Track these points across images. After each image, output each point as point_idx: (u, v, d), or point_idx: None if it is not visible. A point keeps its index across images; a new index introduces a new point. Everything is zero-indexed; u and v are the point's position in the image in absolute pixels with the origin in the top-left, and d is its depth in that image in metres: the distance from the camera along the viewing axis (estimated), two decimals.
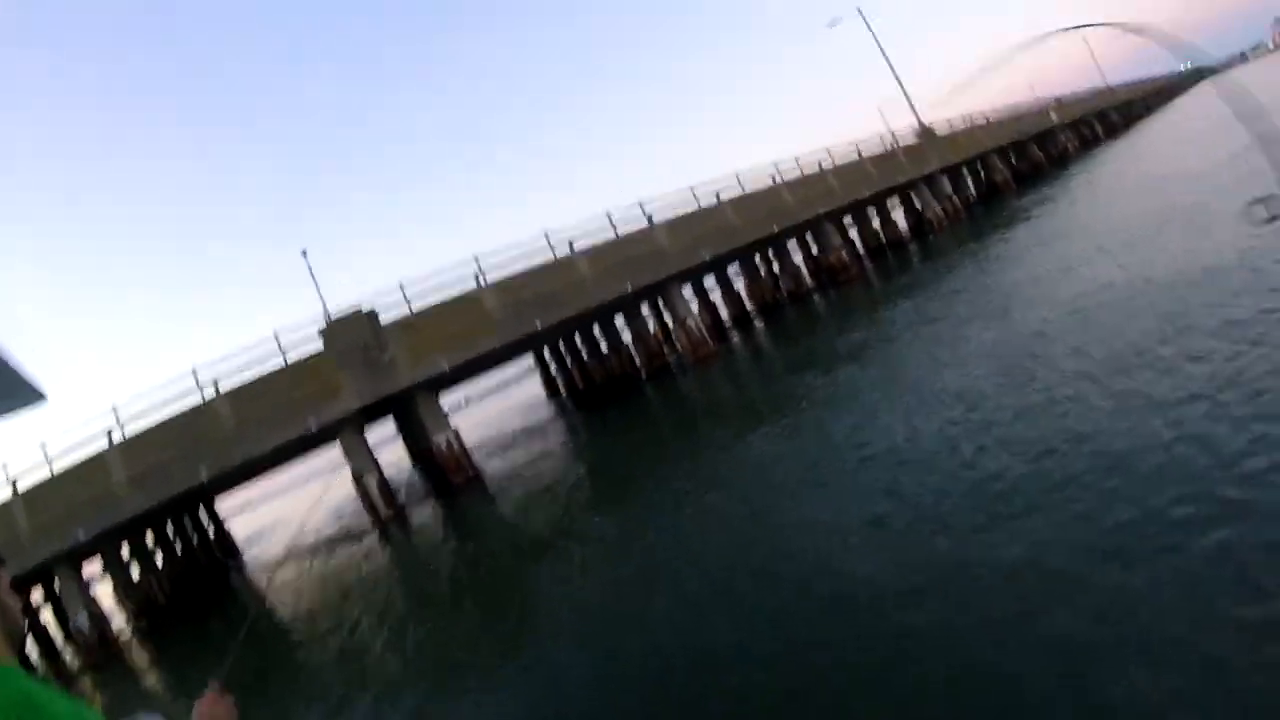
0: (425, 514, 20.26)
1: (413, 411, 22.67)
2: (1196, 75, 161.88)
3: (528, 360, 52.66)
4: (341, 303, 22.75)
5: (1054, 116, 60.31)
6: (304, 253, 26.35)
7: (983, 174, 50.48)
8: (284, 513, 55.59)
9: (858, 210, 39.51)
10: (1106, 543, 5.05)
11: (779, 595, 6.31)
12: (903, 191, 41.35)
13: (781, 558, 7.04)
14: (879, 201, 40.93)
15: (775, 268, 38.31)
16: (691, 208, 28.17)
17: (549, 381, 43.86)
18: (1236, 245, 10.48)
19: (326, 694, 8.96)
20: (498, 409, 52.93)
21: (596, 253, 25.07)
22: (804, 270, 36.76)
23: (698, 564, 7.82)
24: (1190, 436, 5.96)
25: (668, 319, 31.10)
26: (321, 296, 23.63)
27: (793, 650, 5.38)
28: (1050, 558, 5.20)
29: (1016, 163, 54.48)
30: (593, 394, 32.95)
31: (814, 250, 38.99)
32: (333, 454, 38.50)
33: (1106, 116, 77.08)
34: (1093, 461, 6.30)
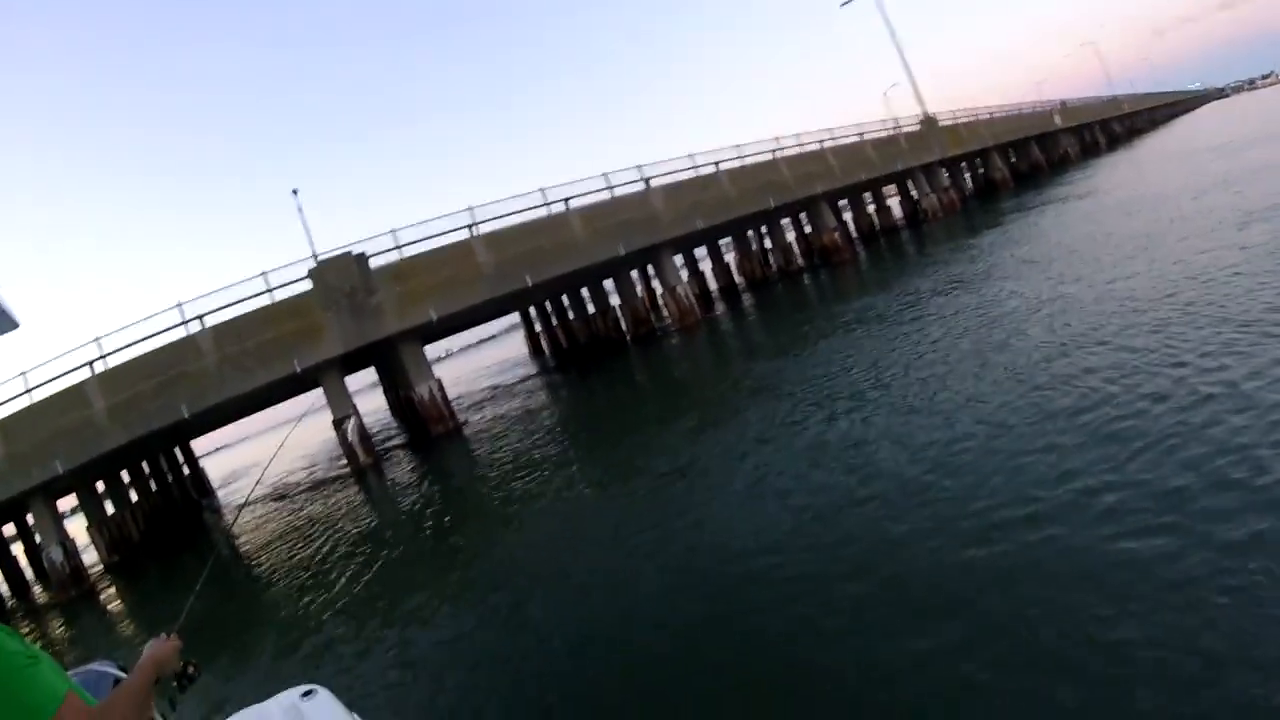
0: (404, 463, 20.23)
1: (396, 360, 22.63)
2: (1202, 96, 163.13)
3: (510, 318, 52.75)
4: (331, 246, 22.57)
5: (1057, 120, 60.21)
6: (294, 191, 26.19)
7: (981, 169, 50.59)
8: (257, 456, 55.55)
9: (855, 193, 39.58)
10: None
11: (731, 560, 6.42)
12: (901, 179, 41.42)
13: (737, 521, 7.19)
14: (876, 186, 40.99)
15: (767, 243, 38.47)
16: (689, 175, 28.13)
17: (532, 339, 44.00)
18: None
19: (285, 631, 9.02)
20: (479, 364, 53.00)
21: (591, 212, 25.01)
22: (796, 248, 36.92)
23: (660, 524, 7.91)
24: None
25: (656, 285, 31.16)
26: (309, 236, 23.53)
27: (741, 617, 5.42)
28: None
29: (1016, 161, 54.57)
30: (576, 354, 33.05)
31: (807, 229, 39.20)
32: (306, 400, 38.51)
33: (1109, 126, 77.20)
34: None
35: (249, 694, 6.74)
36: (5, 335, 2.60)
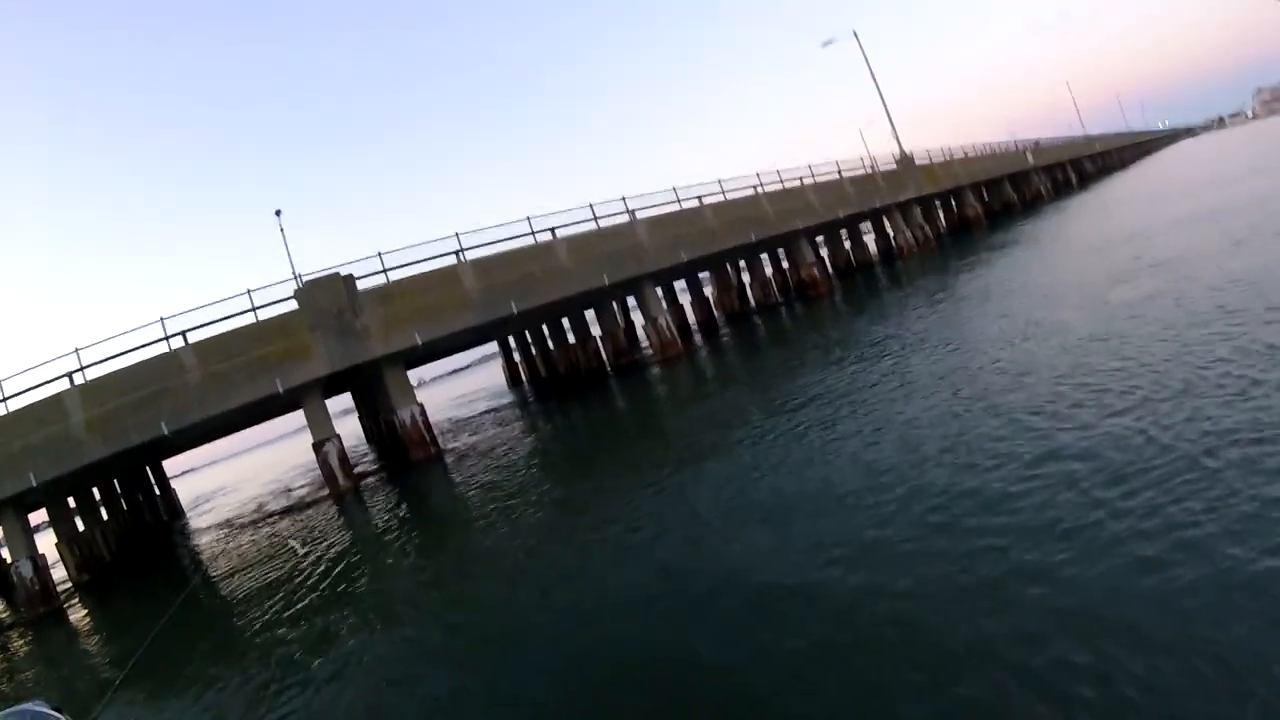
0: (384, 488, 20.18)
1: (379, 383, 22.63)
2: (1171, 135, 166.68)
3: (484, 349, 52.72)
4: (312, 262, 22.53)
5: (1030, 159, 61.59)
6: (278, 212, 26.12)
7: (955, 207, 51.53)
8: (225, 480, 54.82)
9: (833, 229, 40.22)
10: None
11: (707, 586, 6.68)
12: (877, 216, 42.15)
13: (718, 550, 7.46)
14: (854, 223, 41.65)
15: (745, 277, 38.95)
16: (673, 208, 28.59)
17: (511, 368, 43.98)
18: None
19: (243, 665, 8.92)
20: (453, 393, 52.81)
21: (577, 242, 25.33)
22: (773, 282, 37.46)
23: (638, 551, 8.19)
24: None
25: (636, 317, 31.48)
26: (290, 258, 23.58)
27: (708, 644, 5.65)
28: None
29: (989, 199, 55.65)
30: (556, 384, 33.22)
31: (784, 264, 39.78)
32: (278, 425, 37.95)
33: (1081, 165, 79.03)
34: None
35: None
36: None
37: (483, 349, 53.32)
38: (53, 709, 3.36)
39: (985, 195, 55.51)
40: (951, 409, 9.21)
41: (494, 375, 53.79)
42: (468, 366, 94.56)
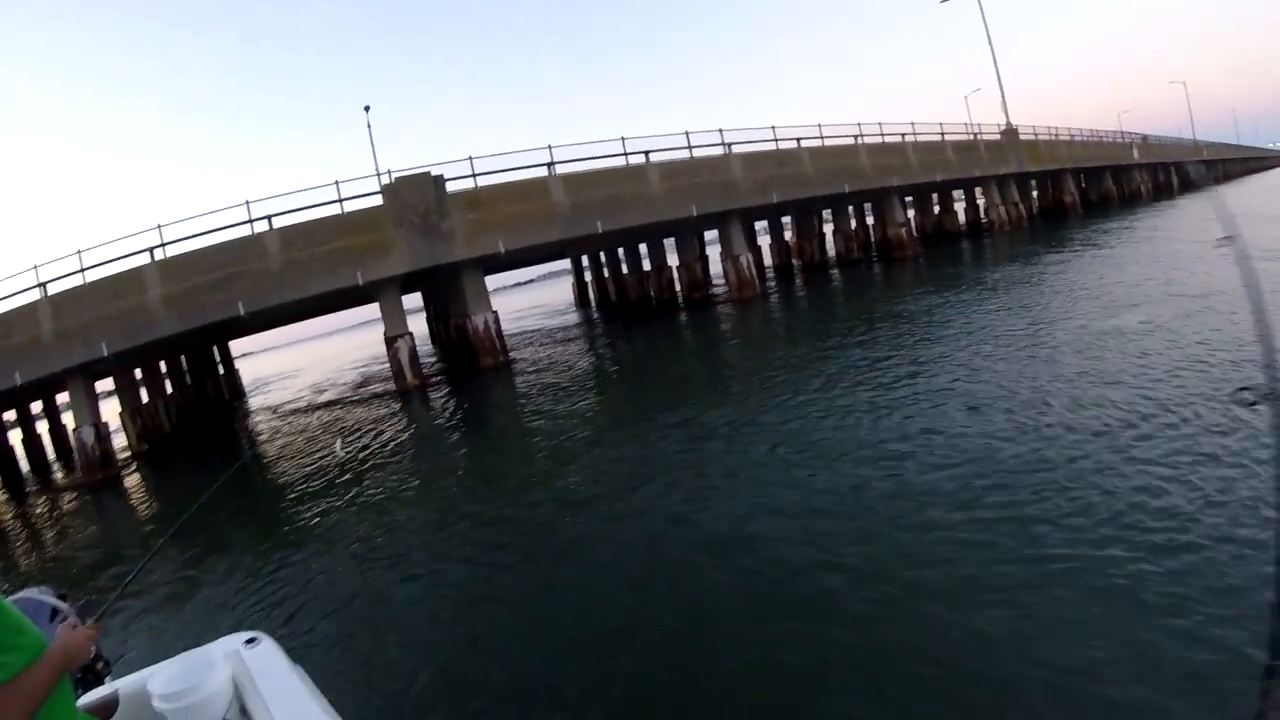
0: (450, 390, 20.10)
1: (455, 287, 22.42)
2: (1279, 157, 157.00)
3: (553, 265, 52.72)
4: (398, 168, 22.14)
5: (1136, 154, 58.74)
6: (366, 108, 25.85)
7: (1051, 190, 49.49)
8: (284, 366, 55.41)
9: (925, 192, 38.94)
10: None
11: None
12: (972, 184, 40.66)
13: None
14: (948, 189, 40.23)
15: (829, 227, 38.07)
16: (769, 148, 27.73)
17: (580, 288, 43.96)
18: None
19: (301, 538, 8.77)
20: (518, 306, 53.04)
21: (669, 169, 24.76)
22: (856, 237, 36.54)
23: (694, 481, 7.83)
24: None
25: (712, 251, 31.06)
26: (375, 154, 23.43)
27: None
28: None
29: (1086, 188, 53.33)
30: (625, 309, 33.12)
31: (869, 220, 38.77)
32: (343, 317, 38.12)
33: (1184, 169, 75.28)
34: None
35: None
36: None
37: (549, 265, 53.39)
38: (56, 596, 3.04)
39: (1083, 183, 53.22)
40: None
41: (561, 292, 53.84)
42: (531, 281, 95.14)
